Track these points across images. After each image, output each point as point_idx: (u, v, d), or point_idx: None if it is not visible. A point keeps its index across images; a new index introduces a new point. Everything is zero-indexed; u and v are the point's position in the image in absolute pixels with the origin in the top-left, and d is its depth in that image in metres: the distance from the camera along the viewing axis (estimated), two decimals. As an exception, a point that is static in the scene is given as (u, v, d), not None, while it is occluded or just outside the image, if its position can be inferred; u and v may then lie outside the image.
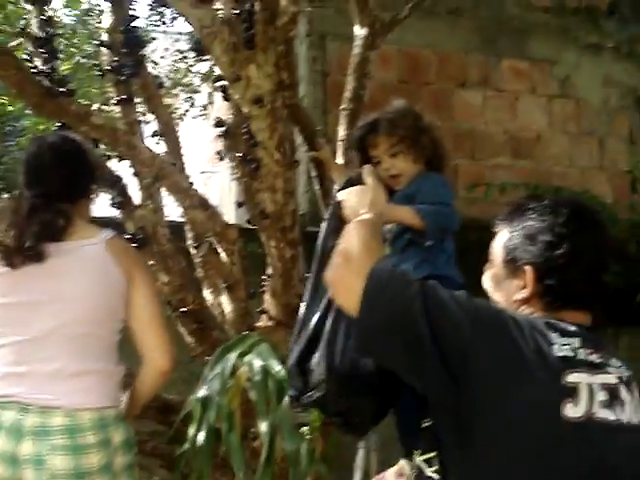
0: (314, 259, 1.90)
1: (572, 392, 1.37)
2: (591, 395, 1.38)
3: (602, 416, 1.38)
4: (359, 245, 1.48)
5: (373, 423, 1.90)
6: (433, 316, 1.35)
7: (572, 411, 1.35)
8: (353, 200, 1.86)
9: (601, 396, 1.40)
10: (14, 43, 4.87)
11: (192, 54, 8.08)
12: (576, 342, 1.42)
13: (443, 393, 1.36)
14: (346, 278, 1.46)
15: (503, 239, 1.58)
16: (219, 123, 2.77)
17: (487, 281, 1.64)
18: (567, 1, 5.64)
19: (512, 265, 1.54)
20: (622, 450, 1.39)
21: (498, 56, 5.39)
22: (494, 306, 1.52)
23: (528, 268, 1.50)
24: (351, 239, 1.51)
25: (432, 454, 1.50)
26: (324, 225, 1.97)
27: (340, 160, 2.85)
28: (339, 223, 1.82)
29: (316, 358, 1.75)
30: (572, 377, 1.38)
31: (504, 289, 1.57)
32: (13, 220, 2.10)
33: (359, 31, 2.98)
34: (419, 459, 1.55)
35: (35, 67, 2.86)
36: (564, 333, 1.42)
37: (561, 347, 1.39)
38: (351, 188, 1.90)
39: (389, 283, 1.40)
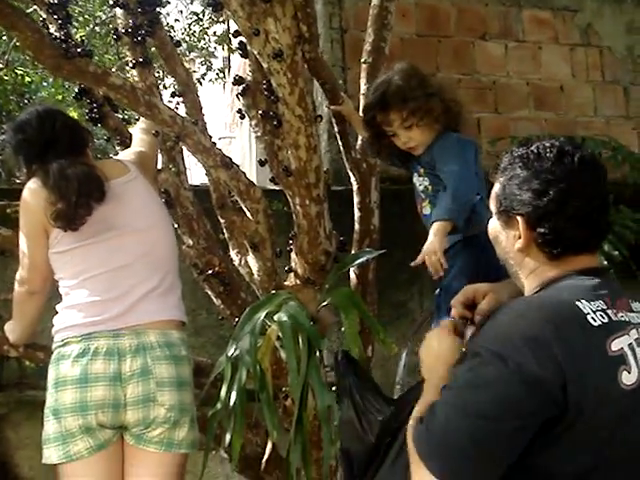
0: None
1: (622, 359, 1.35)
2: (634, 355, 1.37)
3: None
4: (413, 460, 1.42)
5: None
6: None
7: (627, 378, 1.34)
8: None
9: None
10: (28, 10, 4.84)
11: (207, 17, 8.01)
12: (601, 304, 1.40)
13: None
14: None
15: (496, 189, 1.59)
16: (238, 80, 2.71)
17: (490, 231, 1.63)
18: (587, -53, 5.50)
19: (505, 215, 1.54)
20: None
21: (519, 6, 5.28)
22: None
23: (519, 218, 1.50)
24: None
25: None
26: None
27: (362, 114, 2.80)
28: None
29: None
30: (615, 344, 1.36)
31: (502, 239, 1.57)
32: (51, 189, 2.19)
33: (377, -18, 2.91)
34: None
35: (50, 34, 2.82)
36: (589, 297, 1.40)
37: (595, 315, 1.37)
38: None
39: (437, 445, 1.36)
